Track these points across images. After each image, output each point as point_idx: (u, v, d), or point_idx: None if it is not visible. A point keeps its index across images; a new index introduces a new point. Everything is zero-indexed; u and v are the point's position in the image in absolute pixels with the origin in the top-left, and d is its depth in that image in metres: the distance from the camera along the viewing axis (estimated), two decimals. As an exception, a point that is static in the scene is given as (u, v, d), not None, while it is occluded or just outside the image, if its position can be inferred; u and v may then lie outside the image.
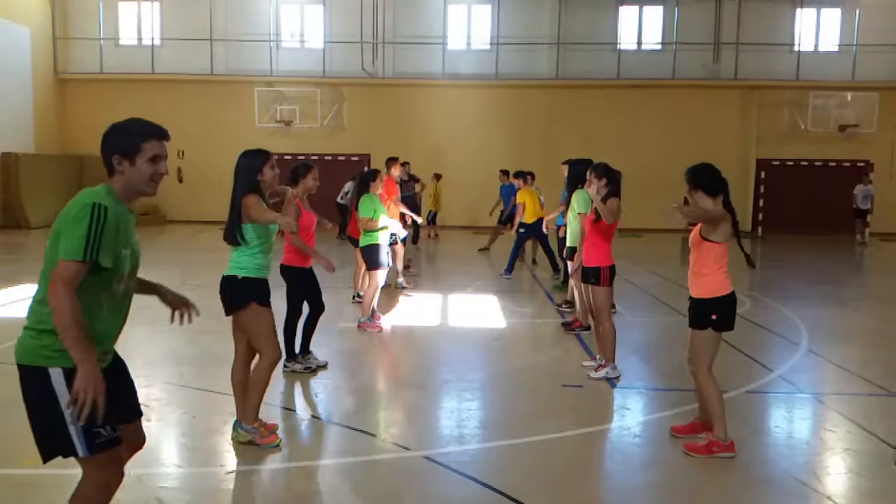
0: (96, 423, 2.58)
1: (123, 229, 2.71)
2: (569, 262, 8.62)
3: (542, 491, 4.16)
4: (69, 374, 2.57)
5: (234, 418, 4.81)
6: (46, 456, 2.68)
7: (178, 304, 3.29)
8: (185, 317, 3.30)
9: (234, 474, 4.38)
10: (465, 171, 22.08)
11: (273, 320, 4.70)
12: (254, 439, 4.68)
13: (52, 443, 2.64)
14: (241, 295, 4.55)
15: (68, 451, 2.63)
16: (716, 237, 4.56)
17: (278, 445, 4.70)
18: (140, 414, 3.03)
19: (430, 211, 19.34)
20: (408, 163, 16.79)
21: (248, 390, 4.69)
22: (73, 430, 2.58)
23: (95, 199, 2.61)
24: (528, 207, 12.08)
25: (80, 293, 2.58)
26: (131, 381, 3.00)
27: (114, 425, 2.69)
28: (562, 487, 4.26)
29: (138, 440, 3.04)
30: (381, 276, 8.16)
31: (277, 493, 4.20)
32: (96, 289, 2.66)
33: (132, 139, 2.74)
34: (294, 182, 6.19)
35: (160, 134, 2.80)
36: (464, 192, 21.87)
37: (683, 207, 4.57)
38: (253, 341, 4.66)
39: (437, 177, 19.26)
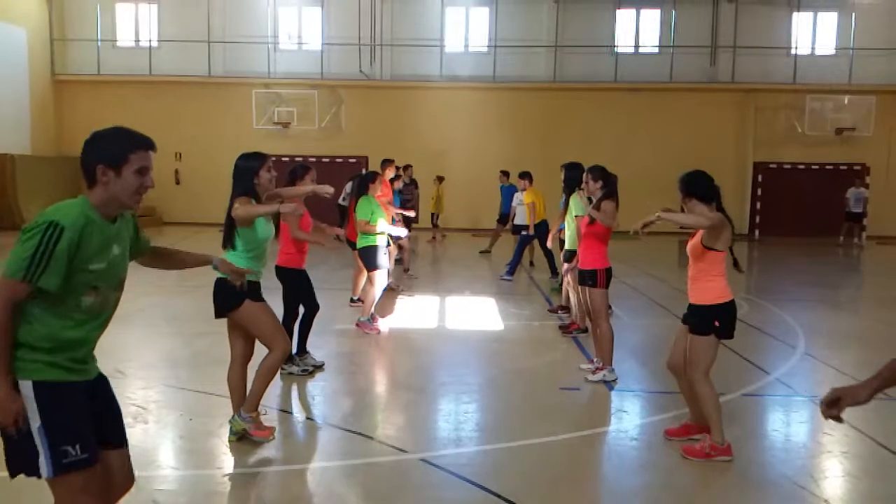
0: (64, 440, 2.47)
1: (96, 245, 2.56)
2: (565, 265, 8.60)
3: (539, 494, 4.16)
4: (39, 388, 2.49)
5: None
6: (12, 471, 2.54)
7: (236, 273, 3.56)
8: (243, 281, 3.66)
9: (231, 476, 4.37)
10: (463, 174, 22.08)
11: (273, 313, 4.70)
12: (248, 429, 4.68)
13: (17, 459, 2.51)
14: (232, 296, 4.52)
15: (33, 469, 2.49)
16: (719, 245, 4.56)
17: (270, 440, 4.69)
18: (124, 442, 2.82)
19: (433, 213, 19.30)
20: (410, 166, 16.75)
21: (254, 379, 4.69)
22: (39, 448, 2.46)
23: (56, 217, 2.47)
24: (537, 208, 12.03)
25: (40, 303, 2.50)
26: (115, 403, 2.83)
27: (86, 446, 2.53)
28: (558, 490, 4.26)
29: (125, 477, 2.82)
30: (380, 277, 8.15)
31: (274, 496, 4.20)
32: (59, 303, 2.53)
33: (120, 149, 2.60)
34: (292, 184, 6.18)
35: (148, 144, 2.67)
36: (462, 194, 21.87)
37: (664, 213, 4.59)
38: (259, 337, 4.66)
39: (440, 179, 19.24)
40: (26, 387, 2.48)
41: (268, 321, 4.62)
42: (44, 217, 2.49)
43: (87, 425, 2.58)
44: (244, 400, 4.74)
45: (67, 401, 2.54)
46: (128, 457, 2.85)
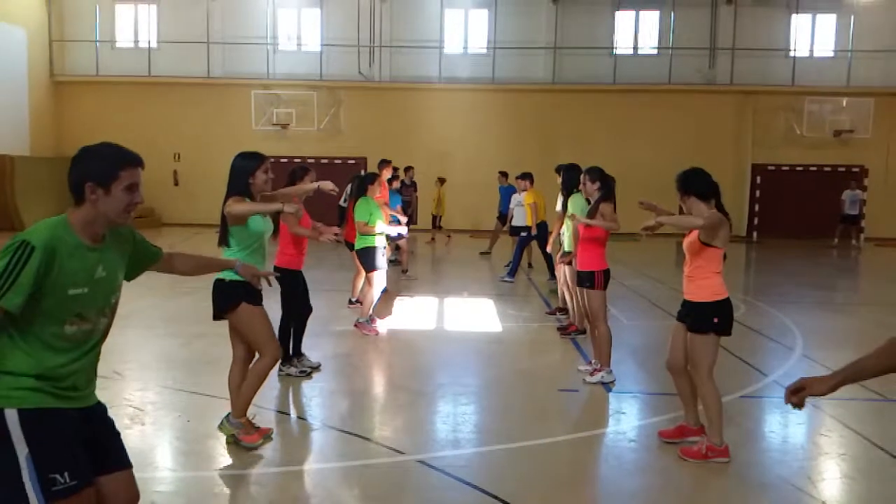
0: (52, 468, 2.40)
1: (73, 269, 2.47)
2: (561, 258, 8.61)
3: (537, 495, 4.16)
4: (25, 416, 2.42)
5: (229, 422, 4.80)
6: None
7: (257, 275, 3.66)
8: (267, 282, 3.78)
9: (228, 478, 4.37)
10: (462, 175, 22.06)
11: (268, 318, 4.67)
12: (237, 434, 4.66)
13: (4, 490, 2.42)
14: (229, 297, 4.51)
15: (22, 499, 2.40)
16: (717, 242, 4.56)
17: (257, 447, 4.66)
18: (127, 465, 2.74)
19: (434, 215, 19.29)
20: (412, 167, 16.74)
21: (243, 384, 4.68)
22: (26, 476, 2.39)
23: (28, 237, 2.41)
24: (538, 208, 12.01)
25: (22, 331, 2.44)
26: (113, 429, 2.75)
27: (75, 472, 2.46)
28: (556, 492, 4.26)
29: (129, 495, 2.74)
30: (379, 278, 8.14)
31: (271, 497, 4.19)
32: (41, 331, 2.46)
33: (109, 166, 2.53)
34: (291, 185, 6.17)
35: (137, 161, 2.61)
36: (461, 195, 21.85)
37: (662, 218, 4.59)
38: (252, 342, 4.64)
39: (441, 181, 19.23)
40: (12, 415, 2.42)
41: (261, 326, 4.59)
42: (19, 236, 2.44)
43: (76, 451, 2.51)
44: (243, 402, 4.73)
45: (54, 427, 2.48)
46: (131, 477, 2.77)
